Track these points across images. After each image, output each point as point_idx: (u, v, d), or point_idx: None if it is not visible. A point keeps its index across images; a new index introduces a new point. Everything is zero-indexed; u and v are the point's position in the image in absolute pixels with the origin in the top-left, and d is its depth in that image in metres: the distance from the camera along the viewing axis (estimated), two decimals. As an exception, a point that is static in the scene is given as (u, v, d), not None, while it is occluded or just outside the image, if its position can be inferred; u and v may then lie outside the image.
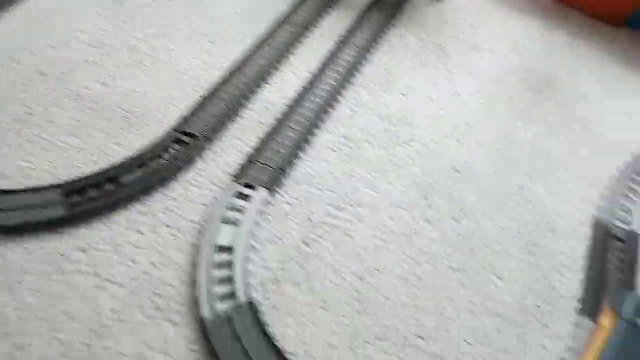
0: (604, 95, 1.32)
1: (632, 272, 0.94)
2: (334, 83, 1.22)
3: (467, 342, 0.85)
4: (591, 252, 0.98)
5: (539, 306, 0.91)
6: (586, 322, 0.88)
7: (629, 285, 0.92)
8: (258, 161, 1.04)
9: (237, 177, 1.00)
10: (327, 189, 1.03)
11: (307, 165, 1.07)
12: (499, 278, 0.94)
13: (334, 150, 1.10)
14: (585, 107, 1.28)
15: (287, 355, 0.78)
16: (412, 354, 0.83)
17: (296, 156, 1.07)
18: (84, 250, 0.88)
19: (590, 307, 0.90)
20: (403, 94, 1.24)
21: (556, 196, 1.08)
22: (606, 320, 0.73)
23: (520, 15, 1.52)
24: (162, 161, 1.00)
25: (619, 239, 0.99)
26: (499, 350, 0.85)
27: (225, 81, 1.18)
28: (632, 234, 1.00)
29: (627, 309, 0.71)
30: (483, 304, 0.90)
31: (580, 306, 0.91)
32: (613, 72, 1.38)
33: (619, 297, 0.75)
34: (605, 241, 0.99)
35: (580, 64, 1.39)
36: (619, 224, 1.02)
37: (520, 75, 1.34)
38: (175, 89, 1.16)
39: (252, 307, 0.82)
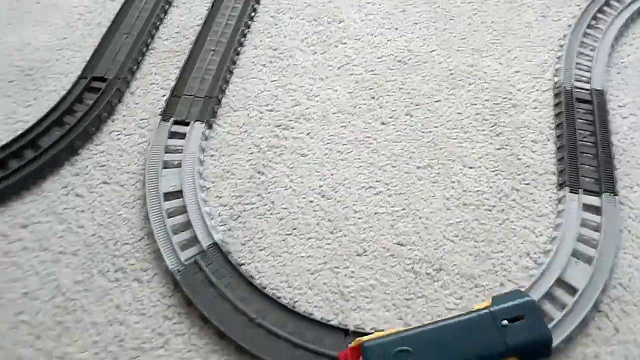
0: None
1: (606, 130, 0.99)
2: (247, -10, 1.21)
3: (450, 240, 0.88)
4: (558, 120, 1.02)
5: (517, 189, 0.94)
6: (569, 195, 0.91)
7: (606, 146, 0.97)
8: (184, 94, 1.02)
9: (166, 116, 0.99)
10: (267, 109, 1.03)
11: (240, 88, 1.06)
12: (469, 167, 0.97)
13: (264, 65, 1.10)
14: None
15: (267, 291, 0.80)
16: (395, 264, 0.86)
17: (225, 80, 1.06)
18: (24, 226, 0.88)
19: (570, 178, 0.93)
20: (326, -12, 1.24)
21: (509, 67, 1.11)
22: (482, 304, 0.76)
23: None
24: (79, 114, 0.98)
25: (584, 101, 1.03)
26: (484, 242, 0.88)
27: (125, 12, 1.15)
28: (597, 93, 1.04)
29: (499, 300, 0.75)
30: (458, 197, 0.93)
31: (559, 179, 0.95)
32: None
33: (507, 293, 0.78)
34: (571, 105, 1.02)
35: None
36: (580, 85, 1.05)
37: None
38: (72, 32, 1.12)
39: (218, 249, 0.83)
